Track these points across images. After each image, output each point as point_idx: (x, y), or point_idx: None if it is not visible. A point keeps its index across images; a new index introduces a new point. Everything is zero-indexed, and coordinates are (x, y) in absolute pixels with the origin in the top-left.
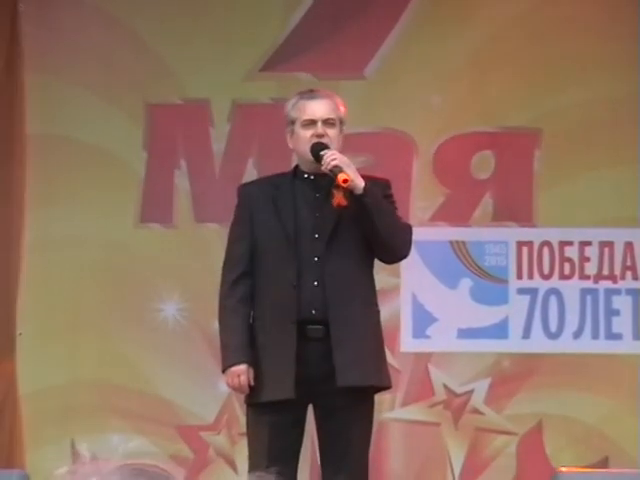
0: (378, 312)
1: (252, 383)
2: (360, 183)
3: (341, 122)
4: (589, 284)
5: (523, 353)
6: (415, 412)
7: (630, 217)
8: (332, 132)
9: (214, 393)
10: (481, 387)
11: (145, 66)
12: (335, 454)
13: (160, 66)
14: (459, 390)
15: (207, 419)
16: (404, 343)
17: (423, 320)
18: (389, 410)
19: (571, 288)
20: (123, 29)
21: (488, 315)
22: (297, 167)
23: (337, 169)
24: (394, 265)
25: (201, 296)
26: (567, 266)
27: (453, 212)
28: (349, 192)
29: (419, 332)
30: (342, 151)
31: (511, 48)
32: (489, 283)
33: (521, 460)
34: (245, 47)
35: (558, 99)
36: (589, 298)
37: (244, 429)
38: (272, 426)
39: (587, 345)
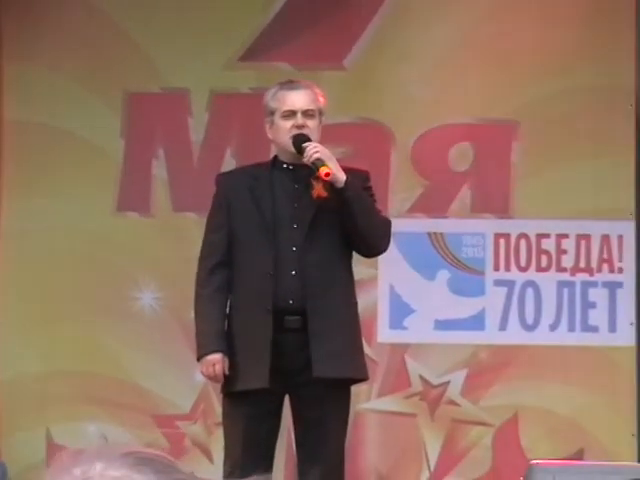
0: (356, 304)
1: (227, 372)
2: (342, 177)
3: (320, 113)
4: (566, 276)
5: (500, 345)
6: (391, 403)
7: (607, 209)
8: (312, 123)
9: (190, 382)
10: (457, 378)
11: (124, 55)
12: (311, 445)
13: (139, 55)
14: (435, 381)
15: (183, 408)
16: (381, 334)
17: (400, 311)
18: (365, 401)
19: (548, 280)
20: (103, 17)
21: (465, 307)
22: (276, 157)
23: (319, 162)
24: None
25: (178, 285)
26: (544, 258)
27: (431, 204)
28: (329, 185)
29: (396, 323)
30: (321, 142)
31: (489, 40)
32: (466, 275)
33: (497, 452)
34: (224, 37)
35: (536, 91)
36: (566, 290)
37: (220, 419)
38: (248, 416)
39: (563, 337)
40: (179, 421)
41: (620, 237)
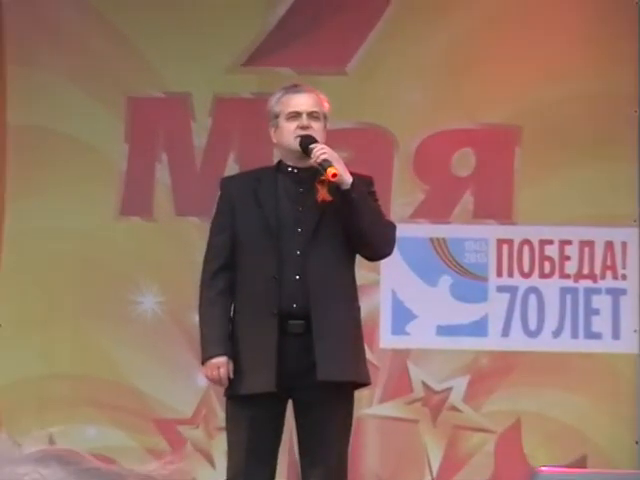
0: (359, 308)
1: (231, 376)
2: (348, 178)
3: (325, 117)
4: (569, 283)
5: (502, 351)
6: (393, 409)
7: (611, 216)
8: (316, 125)
9: (192, 387)
10: (460, 385)
11: (127, 59)
12: (314, 449)
13: (142, 59)
14: (437, 387)
15: (185, 413)
16: (383, 339)
17: (402, 317)
18: (367, 406)
19: (551, 287)
20: (105, 22)
21: (467, 312)
22: (280, 161)
23: (326, 163)
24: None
25: (180, 290)
26: (547, 265)
27: (433, 209)
28: (335, 187)
29: (398, 329)
30: None
31: (492, 45)
32: (469, 280)
33: (499, 458)
34: (227, 41)
35: (539, 96)
36: (569, 297)
37: (222, 423)
38: (251, 420)
39: (566, 344)
40: (180, 425)
41: (624, 244)
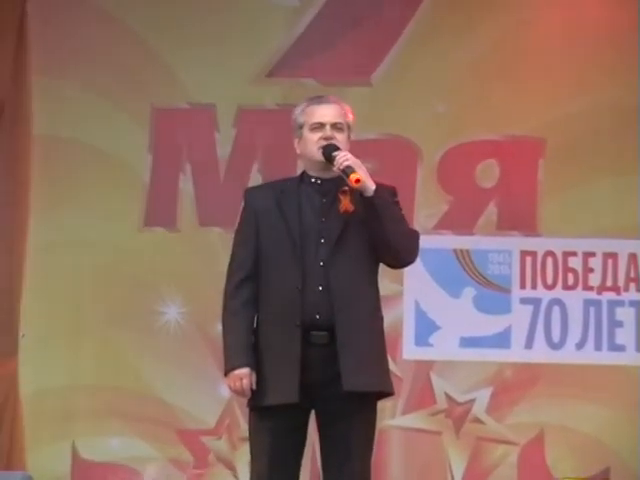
0: (382, 319)
1: (254, 387)
2: (371, 185)
3: (349, 128)
4: (592, 295)
5: (525, 363)
6: (416, 420)
7: (635, 227)
8: (340, 136)
9: (215, 398)
10: (483, 396)
11: (151, 70)
12: (337, 460)
13: (166, 70)
14: (461, 399)
15: (208, 423)
16: (406, 350)
17: (426, 328)
18: (390, 417)
19: (574, 299)
20: (130, 33)
21: (491, 324)
22: (304, 172)
23: (349, 169)
24: (397, 272)
25: (204, 300)
26: (571, 276)
27: (457, 220)
28: (357, 195)
29: (422, 340)
30: None
31: (516, 57)
32: (492, 292)
33: (522, 470)
34: (251, 52)
35: (562, 108)
36: (592, 309)
37: (245, 434)
38: (274, 431)
39: (590, 356)
40: (204, 436)
41: None
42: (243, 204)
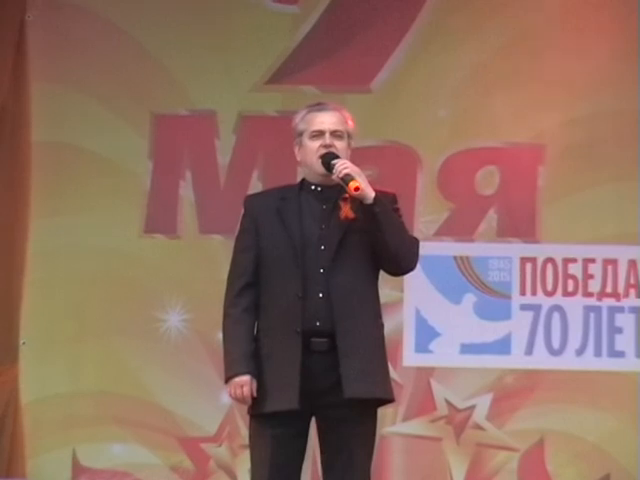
0: (382, 326)
1: (255, 394)
2: (371, 193)
3: (349, 136)
4: (592, 301)
5: (525, 369)
6: (417, 427)
7: (634, 234)
8: (340, 144)
9: (216, 405)
10: (483, 403)
11: (151, 77)
12: (338, 467)
13: (166, 77)
14: (461, 405)
15: (209, 431)
16: (407, 357)
17: (426, 335)
18: (391, 424)
19: (574, 305)
20: (129, 40)
21: (491, 331)
22: (304, 179)
23: (348, 177)
24: (397, 279)
25: (204, 307)
26: (570, 283)
27: (457, 227)
28: (358, 203)
29: (422, 346)
30: None
31: (516, 64)
32: (492, 298)
33: (522, 476)
34: (252, 59)
35: (562, 115)
36: (592, 315)
37: (246, 441)
38: (274, 438)
39: (589, 362)
40: (204, 443)
41: None
42: (243, 211)
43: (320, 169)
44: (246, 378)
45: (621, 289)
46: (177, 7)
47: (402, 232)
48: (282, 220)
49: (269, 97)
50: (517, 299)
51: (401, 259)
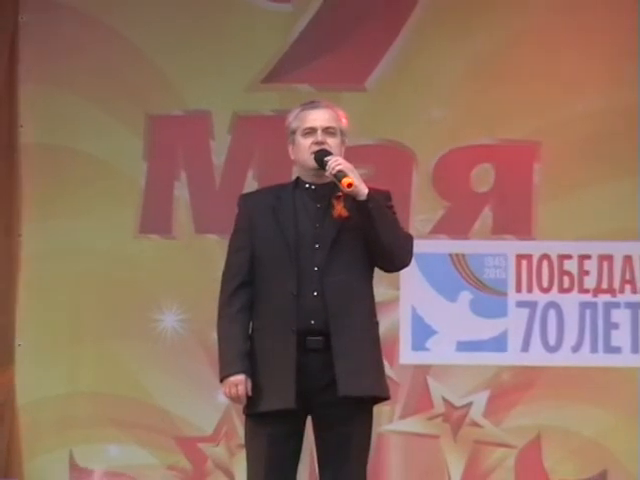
0: (377, 324)
1: (250, 393)
2: (364, 189)
3: (342, 133)
4: (588, 298)
5: (522, 366)
6: (414, 424)
7: (629, 230)
8: (332, 141)
9: (213, 404)
10: (480, 400)
11: (146, 77)
12: (334, 465)
13: (161, 77)
14: (458, 403)
15: (206, 430)
16: (403, 355)
17: (422, 332)
18: (388, 422)
19: (570, 301)
20: (123, 41)
21: (487, 328)
22: (298, 178)
23: (341, 174)
24: (393, 277)
25: (200, 307)
26: (566, 279)
27: (453, 225)
28: (352, 199)
29: (418, 344)
30: None
31: (510, 61)
32: (488, 296)
33: (519, 473)
34: (246, 59)
35: (557, 112)
36: (588, 312)
37: (243, 441)
38: (270, 437)
39: (586, 358)
40: (201, 443)
41: None
42: (238, 210)
43: (313, 166)
44: (241, 377)
45: (617, 285)
46: (171, 8)
47: (395, 228)
48: (276, 219)
49: (264, 96)
50: (513, 296)
51: (395, 255)
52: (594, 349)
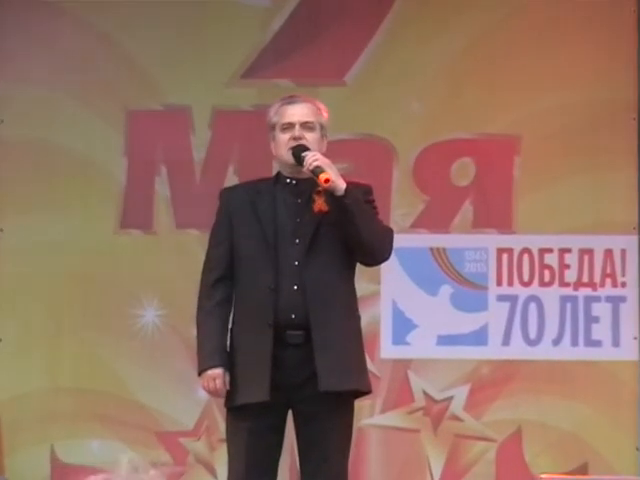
0: (359, 318)
1: (228, 387)
2: (341, 184)
3: (322, 127)
4: (569, 291)
5: (502, 360)
6: (394, 418)
7: (610, 223)
8: (311, 136)
9: (194, 399)
10: (460, 394)
11: (125, 72)
12: (314, 460)
13: (141, 72)
14: (438, 396)
15: (187, 425)
16: (384, 349)
17: (403, 327)
18: (368, 416)
19: (551, 295)
20: (102, 36)
21: (468, 322)
22: (279, 173)
23: (319, 169)
24: (374, 272)
25: (181, 302)
26: (547, 273)
27: (433, 219)
28: (330, 195)
29: (399, 339)
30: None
31: (490, 54)
32: (469, 290)
33: (500, 466)
34: (226, 54)
35: (537, 105)
36: (569, 305)
37: (224, 435)
38: (250, 431)
39: (566, 352)
40: (182, 438)
41: (623, 251)
42: (218, 204)
43: (291, 161)
44: (218, 371)
45: (597, 279)
46: (151, 2)
47: (374, 223)
48: (256, 213)
49: (244, 92)
50: (493, 290)
51: (375, 250)
52: (575, 343)
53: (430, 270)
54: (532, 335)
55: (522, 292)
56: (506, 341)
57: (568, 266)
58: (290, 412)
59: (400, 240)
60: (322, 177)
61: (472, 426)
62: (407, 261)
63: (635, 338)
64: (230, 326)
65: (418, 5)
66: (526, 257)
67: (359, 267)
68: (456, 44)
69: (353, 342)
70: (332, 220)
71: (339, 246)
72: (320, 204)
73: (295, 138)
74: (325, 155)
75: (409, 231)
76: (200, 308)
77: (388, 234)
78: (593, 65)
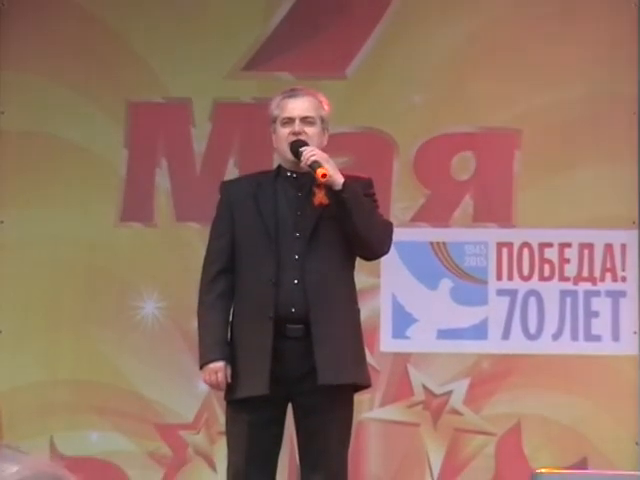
0: (358, 311)
1: (229, 380)
2: (339, 179)
3: (323, 120)
4: (569, 286)
5: (502, 354)
6: (394, 412)
7: (610, 218)
8: (311, 130)
9: (193, 392)
10: (460, 388)
11: (126, 65)
12: (314, 453)
13: (142, 65)
14: (438, 391)
15: (186, 418)
16: (383, 343)
17: (403, 320)
18: (368, 410)
19: (551, 290)
20: (105, 28)
21: (468, 316)
22: (280, 166)
23: (316, 164)
24: (374, 265)
25: (181, 295)
26: (547, 267)
27: (433, 213)
28: (329, 189)
29: (399, 332)
30: (324, 150)
31: (491, 48)
32: (469, 284)
33: (500, 461)
34: (227, 46)
35: (538, 99)
36: (569, 300)
37: (223, 428)
38: (250, 424)
39: (566, 346)
40: (182, 430)
41: (623, 246)
42: (219, 197)
43: (290, 156)
44: (220, 364)
45: (597, 273)
46: None
47: (373, 217)
48: (257, 206)
49: (245, 84)
50: (493, 284)
51: (373, 244)
52: (575, 337)
53: (430, 264)
54: (532, 329)
55: (522, 286)
56: (506, 335)
57: (568, 260)
58: (290, 405)
59: (400, 234)
60: (319, 172)
61: (472, 420)
62: (407, 255)
63: (635, 333)
64: (230, 319)
65: None
66: (526, 251)
67: (359, 260)
68: (457, 38)
69: (352, 336)
70: (333, 213)
71: (340, 240)
72: (320, 197)
73: (295, 133)
74: (326, 148)
75: (409, 225)
76: (201, 301)
77: (387, 228)
78: (594, 59)
